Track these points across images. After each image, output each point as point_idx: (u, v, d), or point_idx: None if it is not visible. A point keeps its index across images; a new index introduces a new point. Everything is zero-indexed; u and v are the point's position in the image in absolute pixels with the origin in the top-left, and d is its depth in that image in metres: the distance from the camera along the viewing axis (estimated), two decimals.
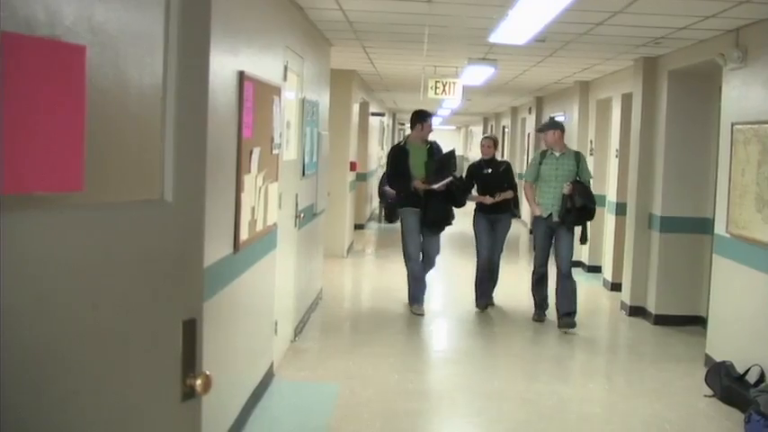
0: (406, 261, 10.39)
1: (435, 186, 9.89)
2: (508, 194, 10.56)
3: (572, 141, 15.32)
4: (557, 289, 9.86)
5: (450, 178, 10.01)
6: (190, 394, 2.32)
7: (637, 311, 10.63)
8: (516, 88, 17.24)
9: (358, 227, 18.19)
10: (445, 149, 10.63)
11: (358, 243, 17.04)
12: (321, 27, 9.71)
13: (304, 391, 7.22)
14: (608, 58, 11.18)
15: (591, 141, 14.36)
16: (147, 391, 2.20)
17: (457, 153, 11.93)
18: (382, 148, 24.71)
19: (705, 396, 7.32)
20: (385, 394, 7.10)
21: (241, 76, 5.57)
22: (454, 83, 13.24)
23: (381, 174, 16.65)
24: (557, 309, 9.80)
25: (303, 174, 8.76)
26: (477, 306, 10.74)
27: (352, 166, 15.38)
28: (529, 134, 20.82)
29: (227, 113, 5.34)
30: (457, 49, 10.89)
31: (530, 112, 20.62)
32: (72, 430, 1.93)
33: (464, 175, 10.85)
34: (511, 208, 10.72)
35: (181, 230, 2.33)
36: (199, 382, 2.33)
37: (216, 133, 4.89)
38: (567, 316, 9.64)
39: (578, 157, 9.86)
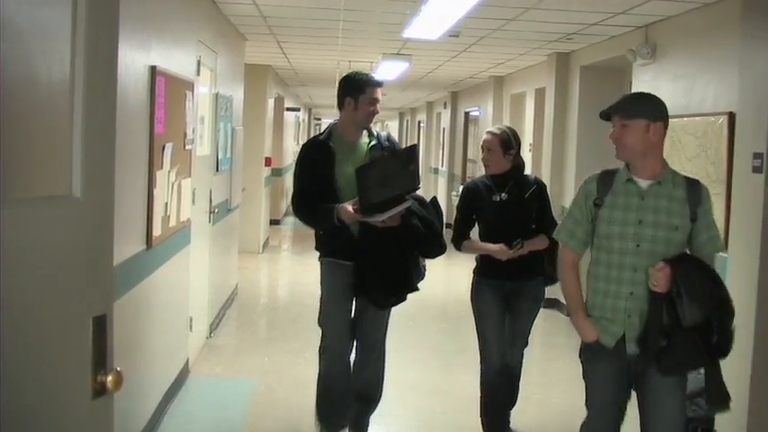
0: (320, 354, 5.77)
1: (380, 220, 5.16)
2: (540, 243, 5.64)
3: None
4: None
5: (408, 203, 5.27)
6: (100, 391, 2.30)
7: (551, 303, 10.75)
8: (431, 83, 17.33)
9: (273, 222, 18.09)
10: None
11: (273, 239, 16.96)
12: (235, 21, 9.65)
13: (220, 387, 7.19)
14: (521, 53, 11.30)
15: None
16: (56, 388, 2.17)
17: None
18: (297, 144, 24.65)
19: None
20: (301, 389, 7.09)
21: (153, 70, 5.52)
22: None
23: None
24: None
25: (217, 169, 8.70)
26: None
27: (267, 162, 15.31)
28: (444, 129, 20.93)
29: (139, 109, 5.29)
30: (371, 43, 10.91)
31: (445, 107, 20.74)
32: None
33: (457, 205, 6.05)
34: (544, 268, 5.75)
35: (90, 226, 2.30)
36: (110, 378, 2.30)
37: (127, 129, 4.85)
38: None
39: (697, 194, 4.22)
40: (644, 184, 4.13)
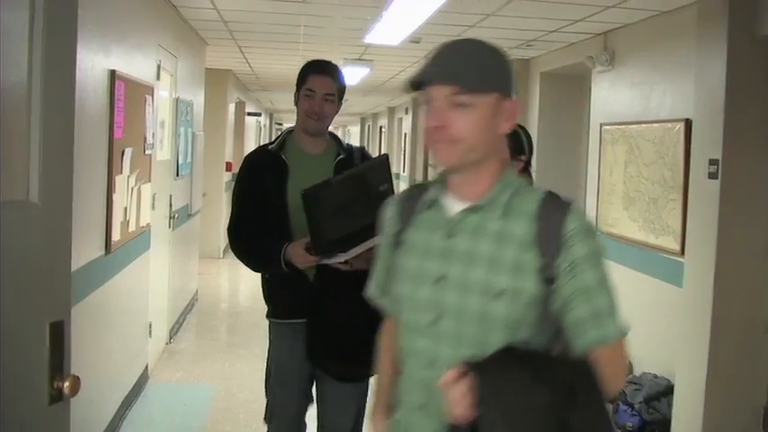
0: (266, 420, 4.37)
1: (341, 260, 3.82)
2: None
3: None
4: None
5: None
6: (57, 397, 2.29)
7: None
8: (393, 89, 17.34)
9: None
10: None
11: None
12: (196, 26, 9.62)
13: (180, 393, 7.16)
14: None
15: None
16: (12, 394, 2.16)
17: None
18: None
19: None
20: (261, 395, 7.07)
21: (112, 75, 5.49)
22: None
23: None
24: None
25: (177, 174, 8.67)
26: None
27: (228, 167, 15.26)
28: (406, 134, 20.97)
29: (98, 113, 5.26)
30: (333, 49, 10.91)
31: (406, 113, 20.77)
32: None
33: None
34: None
35: (47, 232, 2.29)
36: (67, 384, 2.29)
37: (86, 133, 4.82)
38: None
39: (558, 228, 2.15)
40: (457, 208, 2.25)
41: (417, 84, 2.20)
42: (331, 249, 3.76)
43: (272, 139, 4.23)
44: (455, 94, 2.12)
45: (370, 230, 3.44)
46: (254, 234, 4.03)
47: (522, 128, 4.11)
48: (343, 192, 3.80)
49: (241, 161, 4.37)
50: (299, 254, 3.79)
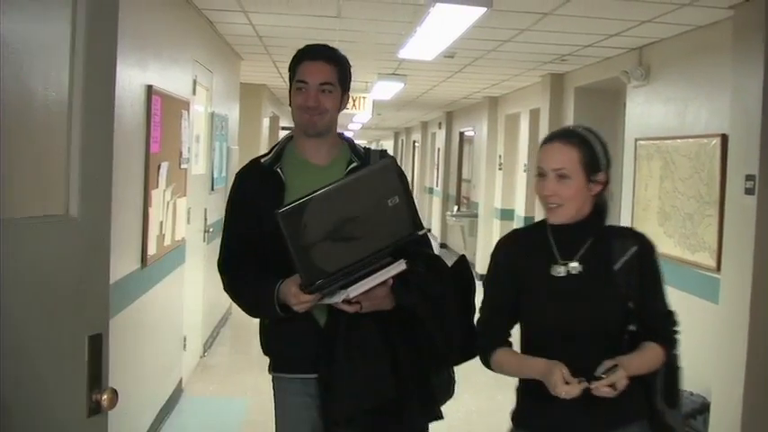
0: None
1: (340, 300, 2.82)
2: (647, 360, 2.81)
3: (481, 157, 15.48)
4: None
5: (398, 267, 2.82)
6: (96, 410, 2.30)
7: None
8: (426, 103, 17.37)
9: None
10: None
11: None
12: (231, 41, 9.68)
13: (213, 407, 7.18)
14: (516, 74, 11.33)
15: (500, 156, 14.53)
16: (52, 407, 2.18)
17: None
18: None
19: None
20: None
21: (149, 90, 5.54)
22: (364, 98, 13.29)
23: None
24: None
25: (212, 188, 8.72)
26: None
27: None
28: (439, 148, 20.97)
29: (135, 128, 5.31)
30: (367, 63, 10.94)
31: (440, 127, 20.78)
32: None
33: (486, 278, 3.03)
34: (651, 402, 2.86)
35: (86, 246, 2.31)
36: (105, 397, 2.30)
37: (123, 148, 4.86)
38: None
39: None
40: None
41: None
42: (328, 286, 2.80)
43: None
44: None
45: (378, 259, 2.82)
46: (243, 271, 3.17)
47: (595, 134, 2.92)
48: (335, 209, 2.77)
49: None
50: (291, 292, 2.86)
